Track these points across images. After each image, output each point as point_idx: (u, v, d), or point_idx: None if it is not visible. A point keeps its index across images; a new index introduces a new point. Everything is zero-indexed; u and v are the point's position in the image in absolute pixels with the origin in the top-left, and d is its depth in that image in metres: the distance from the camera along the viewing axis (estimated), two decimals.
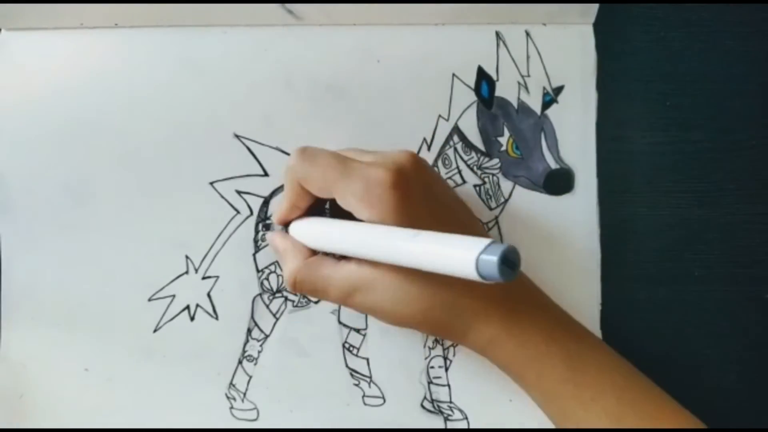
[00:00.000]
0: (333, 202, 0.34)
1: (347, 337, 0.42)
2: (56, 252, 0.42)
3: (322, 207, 0.36)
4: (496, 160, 0.42)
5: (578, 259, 0.42)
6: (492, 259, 0.24)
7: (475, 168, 0.42)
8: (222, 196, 0.42)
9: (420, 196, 0.33)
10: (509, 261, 0.25)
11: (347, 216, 0.34)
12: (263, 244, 0.42)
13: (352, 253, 0.33)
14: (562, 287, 0.42)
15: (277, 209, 0.38)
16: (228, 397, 0.42)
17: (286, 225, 0.38)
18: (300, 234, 0.36)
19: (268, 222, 0.42)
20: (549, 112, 0.42)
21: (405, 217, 0.32)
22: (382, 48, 0.42)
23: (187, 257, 0.42)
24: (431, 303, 0.33)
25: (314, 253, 0.36)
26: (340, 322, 0.42)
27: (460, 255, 0.25)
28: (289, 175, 0.35)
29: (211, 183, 0.42)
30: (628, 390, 0.34)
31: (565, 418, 0.35)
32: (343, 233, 0.33)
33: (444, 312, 0.33)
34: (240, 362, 0.42)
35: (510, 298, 0.35)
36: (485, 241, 0.25)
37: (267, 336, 0.42)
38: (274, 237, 0.38)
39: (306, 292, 0.36)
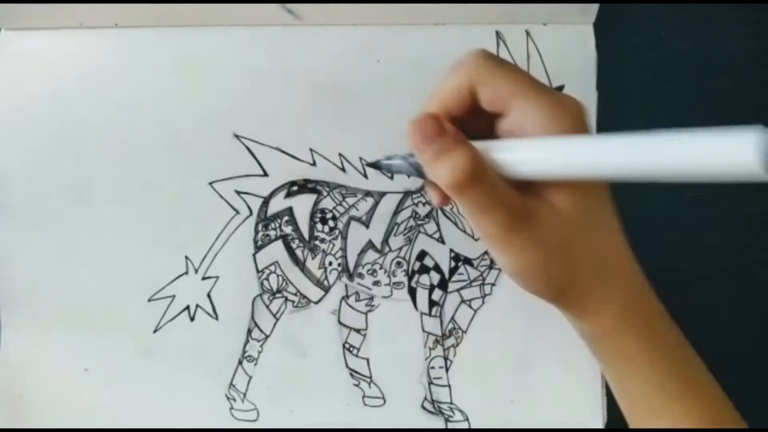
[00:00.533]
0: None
1: (347, 337, 0.42)
2: (56, 252, 0.42)
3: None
4: None
5: None
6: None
7: None
8: (221, 196, 0.42)
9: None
10: None
11: None
12: (263, 244, 0.42)
13: (576, 173, 0.27)
14: None
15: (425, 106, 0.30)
16: (228, 398, 0.42)
17: None
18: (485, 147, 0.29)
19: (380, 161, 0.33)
20: None
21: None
22: (382, 48, 0.42)
23: (186, 257, 0.42)
24: (586, 258, 0.29)
25: None
26: (340, 322, 0.42)
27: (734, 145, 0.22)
28: (463, 70, 0.29)
29: (211, 183, 0.42)
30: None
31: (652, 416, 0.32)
32: (572, 147, 0.27)
33: (594, 273, 0.29)
34: (240, 362, 0.42)
35: (640, 279, 0.32)
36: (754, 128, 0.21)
37: (267, 336, 0.42)
38: (429, 123, 0.29)
39: (466, 204, 0.28)
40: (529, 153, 0.27)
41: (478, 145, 0.28)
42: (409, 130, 0.29)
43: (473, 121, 0.29)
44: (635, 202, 0.43)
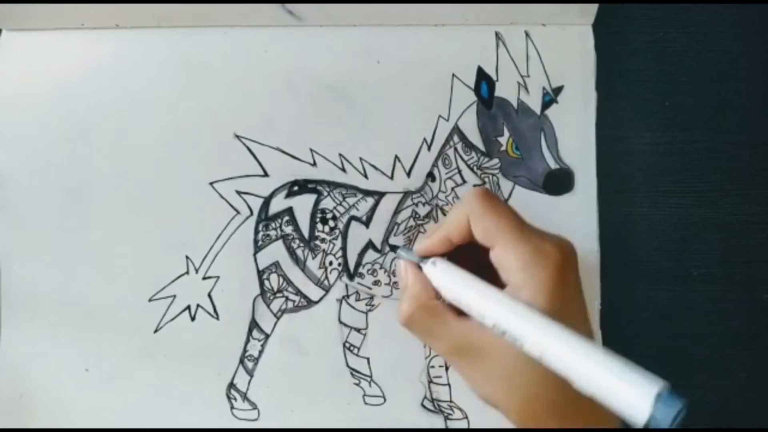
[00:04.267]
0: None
1: (348, 336, 0.42)
2: (56, 252, 0.42)
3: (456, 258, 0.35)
4: (495, 160, 0.42)
5: (578, 259, 0.42)
6: (671, 411, 0.24)
7: (474, 168, 0.42)
8: (222, 197, 0.42)
9: (574, 289, 0.33)
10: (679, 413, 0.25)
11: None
12: (263, 244, 0.42)
13: (491, 321, 0.31)
14: None
15: (425, 238, 0.35)
16: (229, 397, 0.42)
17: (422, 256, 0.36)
18: (434, 276, 0.34)
19: (396, 245, 0.41)
20: (549, 112, 0.42)
21: (559, 301, 0.31)
22: (382, 48, 0.42)
23: (187, 257, 0.42)
24: (536, 393, 0.31)
25: (436, 296, 0.34)
26: (340, 322, 0.42)
27: (634, 396, 0.25)
28: (462, 207, 0.34)
29: (211, 183, 0.42)
30: None
31: None
32: (490, 301, 0.31)
33: (546, 408, 0.31)
34: (241, 362, 0.42)
35: (611, 420, 0.32)
36: (660, 385, 0.25)
37: (268, 336, 0.42)
38: (406, 268, 0.35)
39: (415, 333, 0.35)
40: (478, 303, 0.32)
41: (460, 277, 0.33)
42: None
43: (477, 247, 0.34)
44: (635, 203, 0.43)
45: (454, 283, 0.33)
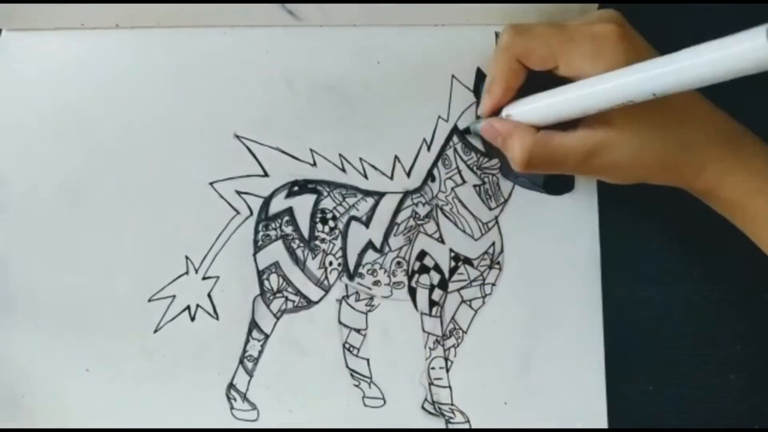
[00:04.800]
0: (546, 80, 0.35)
1: (347, 337, 0.42)
2: (56, 252, 0.42)
3: (531, 88, 0.36)
4: (495, 161, 0.42)
5: (578, 259, 0.42)
6: None
7: (474, 168, 0.42)
8: (222, 197, 0.42)
9: (642, 43, 0.34)
10: None
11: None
12: (263, 244, 0.42)
13: (593, 108, 0.32)
14: (562, 287, 0.42)
15: (486, 98, 0.37)
16: (228, 398, 0.42)
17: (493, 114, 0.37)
18: (525, 112, 0.35)
19: (470, 124, 0.42)
20: None
21: (635, 59, 0.31)
22: (382, 48, 0.42)
23: (187, 257, 0.42)
24: (669, 145, 0.34)
25: (538, 130, 0.35)
26: (340, 322, 0.42)
27: (746, 42, 0.26)
28: (506, 52, 0.35)
29: (211, 183, 0.42)
30: None
31: None
32: (580, 93, 0.32)
33: (682, 151, 0.34)
34: (240, 362, 0.42)
35: (730, 128, 0.35)
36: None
37: (267, 336, 0.42)
38: (491, 122, 0.36)
39: (542, 168, 0.35)
40: (572, 101, 0.32)
41: (536, 101, 0.34)
42: (483, 134, 0.37)
43: (535, 76, 0.35)
44: (635, 203, 0.43)
45: (545, 104, 0.34)
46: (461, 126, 0.42)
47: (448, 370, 0.42)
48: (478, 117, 0.40)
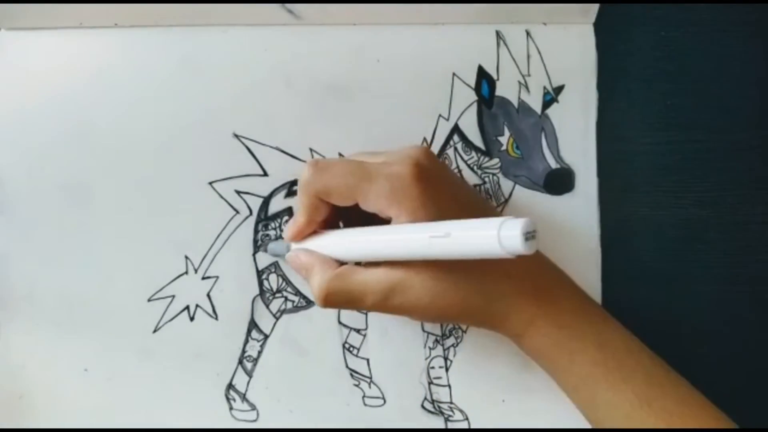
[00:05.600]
0: (347, 215, 0.35)
1: (347, 337, 0.42)
2: (56, 252, 0.42)
3: (333, 222, 0.36)
4: (496, 160, 0.42)
5: (578, 259, 0.42)
6: (514, 233, 0.26)
7: (475, 168, 0.42)
8: (221, 196, 0.42)
9: (441, 185, 0.34)
10: (528, 233, 0.26)
11: (362, 224, 0.34)
12: (263, 244, 0.42)
13: (385, 256, 0.32)
14: None
15: (290, 226, 0.37)
16: (228, 398, 0.42)
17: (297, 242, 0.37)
18: (326, 246, 0.35)
19: (270, 239, 0.42)
20: (549, 111, 0.42)
21: (433, 208, 0.32)
22: (382, 48, 0.42)
23: (186, 257, 0.42)
24: (469, 291, 0.33)
25: (340, 264, 0.35)
26: (340, 322, 0.42)
27: (483, 235, 0.27)
28: (306, 189, 0.35)
29: (211, 183, 0.42)
30: (656, 373, 0.34)
31: (594, 405, 0.35)
32: (373, 238, 0.33)
33: (483, 299, 0.34)
34: (240, 362, 0.42)
35: (542, 279, 0.35)
36: (502, 219, 0.27)
37: (267, 336, 0.42)
38: (297, 255, 0.36)
39: (340, 305, 0.35)
40: (360, 245, 0.34)
41: (347, 235, 0.35)
42: (288, 260, 0.37)
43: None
44: (635, 203, 0.43)
45: (346, 241, 0.35)
46: None
47: (447, 369, 0.42)
48: (279, 238, 0.41)
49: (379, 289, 0.33)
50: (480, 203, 0.38)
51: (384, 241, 0.32)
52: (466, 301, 0.33)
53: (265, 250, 0.41)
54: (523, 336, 0.35)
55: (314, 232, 0.36)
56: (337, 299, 0.34)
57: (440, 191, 0.33)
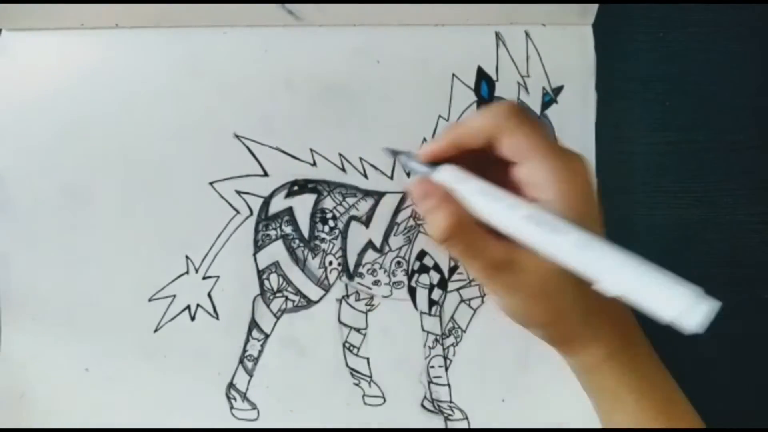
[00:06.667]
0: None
1: (347, 336, 0.42)
2: (56, 252, 0.42)
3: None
4: None
5: None
6: (700, 309, 0.25)
7: None
8: (222, 196, 0.42)
9: (596, 199, 0.32)
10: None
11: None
12: (263, 243, 0.42)
13: (522, 240, 0.29)
14: None
15: (431, 141, 0.33)
16: (228, 397, 0.42)
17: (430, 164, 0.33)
18: (464, 193, 0.31)
19: (397, 151, 0.35)
20: (549, 112, 0.42)
21: (586, 211, 0.30)
22: (382, 48, 0.42)
23: (187, 257, 0.42)
24: (570, 303, 0.31)
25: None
26: (340, 322, 0.42)
27: (668, 301, 0.26)
28: (489, 115, 0.31)
29: (211, 183, 0.42)
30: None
31: None
32: (536, 230, 0.29)
33: (579, 316, 0.32)
34: (240, 362, 0.42)
35: (627, 319, 0.34)
36: (697, 292, 0.26)
37: (267, 336, 0.42)
38: (422, 184, 0.32)
39: (452, 251, 0.32)
40: (513, 220, 0.30)
41: (480, 188, 0.30)
42: (409, 189, 0.33)
43: (489, 162, 0.32)
44: (635, 203, 0.43)
45: (480, 192, 0.31)
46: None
47: (447, 369, 0.42)
48: (407, 153, 0.34)
49: (490, 262, 0.31)
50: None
51: (548, 242, 0.29)
52: (566, 311, 0.32)
53: (399, 160, 0.35)
54: (597, 368, 0.33)
55: (448, 162, 0.32)
56: (452, 249, 0.31)
57: (597, 209, 0.32)
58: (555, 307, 0.31)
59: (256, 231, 0.42)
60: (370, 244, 0.42)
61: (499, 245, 0.30)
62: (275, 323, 0.42)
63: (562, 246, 0.28)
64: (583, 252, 0.28)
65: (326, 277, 0.42)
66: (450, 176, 0.31)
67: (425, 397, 0.42)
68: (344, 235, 0.42)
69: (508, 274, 0.31)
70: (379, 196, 0.42)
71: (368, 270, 0.42)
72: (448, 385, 0.42)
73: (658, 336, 0.43)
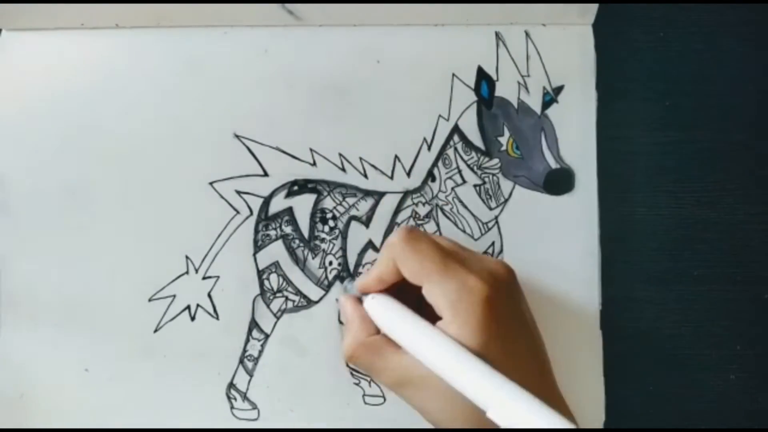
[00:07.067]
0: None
1: None
2: (56, 252, 0.42)
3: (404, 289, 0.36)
4: (496, 160, 0.42)
5: (578, 259, 0.42)
6: None
7: (475, 168, 0.42)
8: (222, 196, 0.42)
9: (508, 316, 0.33)
10: None
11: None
12: (263, 243, 0.42)
13: (420, 357, 0.32)
14: (562, 288, 0.42)
15: (364, 275, 0.37)
16: (228, 397, 0.42)
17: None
18: (373, 312, 0.36)
19: (347, 278, 0.42)
20: (549, 111, 0.42)
21: (487, 336, 0.31)
22: (382, 48, 0.42)
23: (187, 257, 0.42)
24: (476, 415, 0.31)
25: (378, 330, 0.35)
26: (340, 322, 0.42)
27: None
28: (387, 251, 0.35)
29: (211, 183, 0.42)
30: None
31: None
32: (418, 337, 0.32)
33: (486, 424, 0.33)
34: (240, 362, 0.42)
35: None
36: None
37: (268, 336, 0.42)
38: (346, 303, 0.37)
39: (359, 368, 0.37)
40: (414, 342, 0.33)
41: (397, 313, 0.34)
42: (340, 302, 0.39)
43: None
44: (635, 203, 0.43)
45: (389, 318, 0.34)
46: None
47: None
48: (350, 278, 0.42)
49: (396, 376, 0.34)
50: (541, 356, 0.36)
51: (428, 348, 0.32)
52: (469, 424, 0.33)
53: (344, 289, 0.42)
54: None
55: (380, 291, 0.36)
56: (357, 364, 0.35)
57: (504, 323, 0.33)
58: (462, 416, 0.32)
59: (256, 231, 0.42)
60: (370, 244, 0.42)
61: (404, 363, 0.33)
62: (275, 323, 0.42)
63: (450, 371, 0.30)
64: (472, 379, 0.30)
65: (326, 277, 0.42)
66: (373, 302, 0.36)
67: None
68: (344, 235, 0.42)
69: (408, 389, 0.33)
70: (379, 196, 0.42)
71: (368, 270, 0.42)
72: None
73: (658, 336, 0.44)
